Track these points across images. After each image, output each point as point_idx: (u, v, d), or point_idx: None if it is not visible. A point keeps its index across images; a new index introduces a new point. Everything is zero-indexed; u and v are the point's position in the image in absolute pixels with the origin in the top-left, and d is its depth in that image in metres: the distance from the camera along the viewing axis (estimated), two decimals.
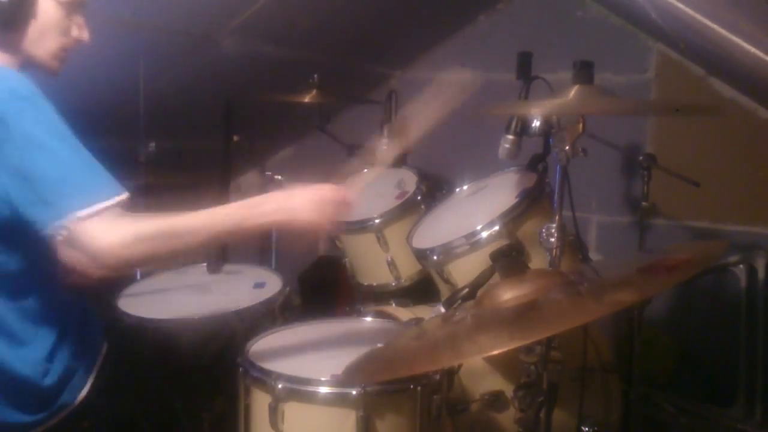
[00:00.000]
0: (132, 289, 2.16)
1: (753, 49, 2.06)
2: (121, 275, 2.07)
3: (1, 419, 1.48)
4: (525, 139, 2.15)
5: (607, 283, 1.44)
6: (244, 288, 2.16)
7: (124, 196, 1.38)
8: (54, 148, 1.35)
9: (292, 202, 1.50)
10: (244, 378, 1.62)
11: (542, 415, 1.53)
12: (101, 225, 1.33)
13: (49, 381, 1.51)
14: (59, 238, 1.33)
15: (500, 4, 3.27)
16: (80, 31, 1.54)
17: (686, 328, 2.93)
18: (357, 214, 2.47)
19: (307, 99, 2.66)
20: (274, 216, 1.49)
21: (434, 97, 1.73)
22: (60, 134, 1.37)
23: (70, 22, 1.52)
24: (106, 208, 1.34)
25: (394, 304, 2.36)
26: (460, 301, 1.83)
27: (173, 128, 2.77)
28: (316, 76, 2.68)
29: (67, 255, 1.56)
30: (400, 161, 2.75)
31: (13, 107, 1.34)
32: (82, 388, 1.56)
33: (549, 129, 1.99)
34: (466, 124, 3.03)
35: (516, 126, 2.14)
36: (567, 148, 1.62)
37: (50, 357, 1.51)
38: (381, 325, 1.95)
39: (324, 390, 1.53)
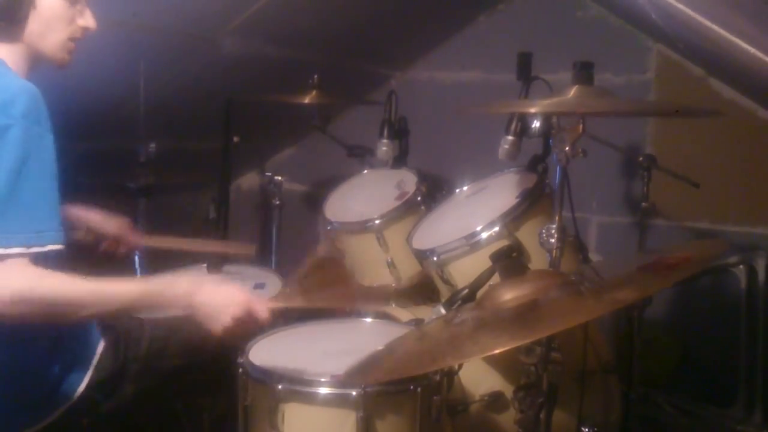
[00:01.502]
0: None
1: (753, 50, 2.06)
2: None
3: (0, 415, 1.48)
4: (525, 140, 2.15)
5: (607, 282, 1.44)
6: (244, 288, 2.15)
7: (49, 247, 1.33)
8: (8, 175, 1.30)
9: (197, 298, 1.46)
10: (245, 378, 1.63)
11: (542, 415, 1.53)
12: None
13: (47, 377, 1.51)
14: None
15: (500, 5, 3.27)
16: (85, 19, 1.53)
17: (686, 328, 2.93)
18: (357, 215, 2.48)
19: (307, 99, 2.66)
20: (174, 304, 1.46)
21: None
22: (28, 163, 1.32)
23: (74, 11, 1.51)
24: (10, 255, 1.29)
25: (394, 305, 2.36)
26: (460, 302, 1.83)
27: (173, 129, 2.77)
28: (316, 76, 2.68)
29: None
30: (400, 159, 2.76)
31: (3, 122, 1.31)
32: (80, 384, 1.56)
33: (549, 130, 1.98)
34: (466, 125, 3.05)
35: (516, 127, 2.14)
36: (567, 148, 1.62)
37: (48, 353, 1.51)
38: (381, 325, 1.95)
39: (324, 390, 1.53)
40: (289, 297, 1.91)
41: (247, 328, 1.52)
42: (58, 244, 1.35)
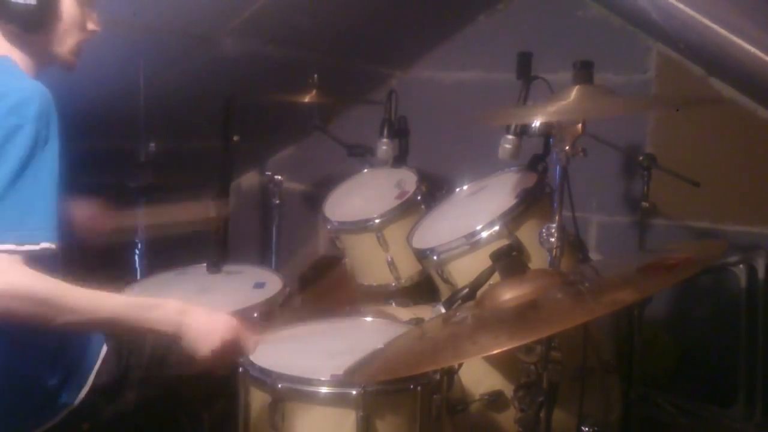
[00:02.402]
0: (132, 289, 2.16)
1: (753, 49, 2.07)
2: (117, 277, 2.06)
3: (1, 421, 1.48)
4: (525, 139, 2.15)
5: (607, 283, 1.44)
6: (244, 288, 2.16)
7: (41, 246, 1.33)
8: (10, 174, 1.31)
9: (186, 319, 1.46)
10: (244, 378, 1.63)
11: (542, 415, 1.53)
12: None
13: (49, 382, 1.51)
14: None
15: (500, 5, 3.27)
16: (94, 23, 1.56)
17: (686, 328, 2.94)
18: (357, 214, 2.48)
19: (307, 99, 2.66)
20: (162, 327, 1.45)
21: None
22: (31, 164, 1.33)
23: (86, 17, 1.54)
24: (4, 251, 1.29)
25: (394, 305, 2.37)
26: (460, 301, 1.83)
27: (173, 128, 2.77)
28: (316, 76, 2.68)
29: None
30: (400, 159, 2.76)
31: (9, 123, 1.33)
32: (81, 388, 1.56)
33: (549, 129, 1.98)
34: (466, 125, 3.04)
35: (516, 126, 2.14)
36: (567, 148, 1.63)
37: (51, 358, 1.51)
38: (381, 325, 1.95)
39: (324, 390, 1.54)
40: (280, 325, 1.92)
41: (233, 356, 1.53)
42: (51, 243, 1.34)
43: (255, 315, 1.96)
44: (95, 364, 1.60)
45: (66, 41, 1.51)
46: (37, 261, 1.33)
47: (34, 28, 1.46)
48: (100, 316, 1.39)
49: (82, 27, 1.53)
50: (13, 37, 1.47)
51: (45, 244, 1.33)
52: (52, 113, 1.38)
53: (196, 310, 1.48)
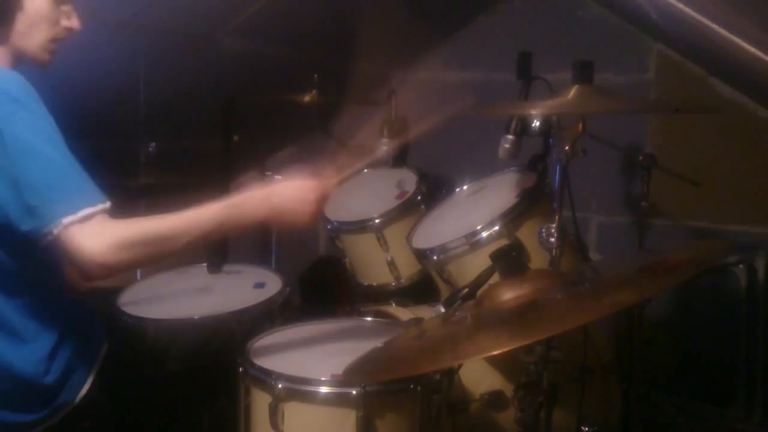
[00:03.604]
0: (133, 289, 2.16)
1: (753, 49, 2.07)
2: (117, 278, 2.06)
3: (2, 418, 1.48)
4: (525, 139, 2.15)
5: (607, 284, 1.44)
6: (245, 288, 2.16)
7: (108, 204, 1.37)
8: (43, 153, 1.34)
9: (273, 200, 1.51)
10: (245, 378, 1.63)
11: (542, 414, 1.53)
12: (86, 232, 1.32)
13: (49, 379, 1.50)
14: (48, 243, 1.33)
15: (500, 5, 3.27)
16: (70, 20, 1.53)
17: (686, 328, 2.94)
18: (357, 214, 2.48)
19: (307, 99, 2.66)
20: (256, 214, 1.50)
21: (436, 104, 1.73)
22: (50, 139, 1.36)
23: (59, 12, 1.51)
24: (91, 215, 1.33)
25: (394, 304, 2.37)
26: (460, 301, 1.82)
27: (174, 128, 2.77)
28: (316, 76, 2.68)
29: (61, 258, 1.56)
30: (400, 159, 2.77)
31: (5, 110, 1.34)
32: (82, 386, 1.56)
33: (549, 129, 1.99)
34: (466, 125, 3.05)
35: (516, 126, 2.14)
36: (567, 148, 1.63)
37: (51, 355, 1.51)
38: (381, 325, 1.95)
39: (324, 390, 1.54)
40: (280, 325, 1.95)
41: (323, 205, 1.58)
42: (107, 202, 1.39)
43: (255, 315, 1.96)
44: (95, 362, 1.60)
45: (33, 36, 1.48)
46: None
47: None
48: (205, 229, 1.44)
49: (53, 22, 1.50)
50: None
51: (107, 204, 1.38)
52: (27, 91, 1.38)
53: (278, 189, 1.54)
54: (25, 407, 1.50)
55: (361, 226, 2.44)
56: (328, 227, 2.54)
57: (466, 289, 1.84)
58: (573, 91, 1.62)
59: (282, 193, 1.53)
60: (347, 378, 1.47)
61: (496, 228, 1.92)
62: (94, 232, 1.33)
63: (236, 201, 1.51)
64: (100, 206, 1.35)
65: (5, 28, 1.46)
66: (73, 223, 1.31)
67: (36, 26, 1.48)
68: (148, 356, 1.74)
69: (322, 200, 1.57)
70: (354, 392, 1.50)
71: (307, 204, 1.53)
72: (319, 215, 1.57)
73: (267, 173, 2.80)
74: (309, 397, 1.54)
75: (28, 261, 1.47)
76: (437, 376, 1.60)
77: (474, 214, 2.07)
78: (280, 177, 2.74)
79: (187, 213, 1.43)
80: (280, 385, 1.53)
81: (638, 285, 1.37)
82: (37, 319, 1.49)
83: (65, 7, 1.52)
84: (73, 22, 1.54)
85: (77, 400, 1.55)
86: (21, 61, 1.51)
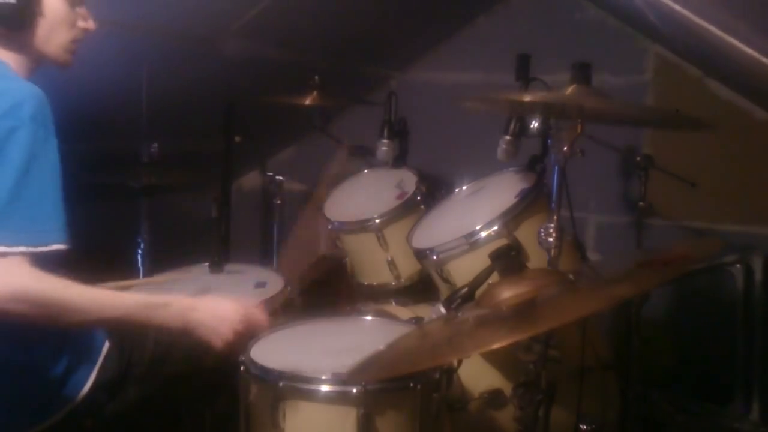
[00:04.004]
0: (135, 289, 2.16)
1: (750, 51, 2.07)
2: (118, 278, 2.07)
3: (4, 416, 1.49)
4: (523, 140, 2.17)
5: (604, 279, 1.46)
6: (246, 287, 2.17)
7: (53, 247, 1.34)
8: (17, 176, 1.32)
9: (195, 315, 1.49)
10: (246, 376, 1.64)
11: (541, 413, 1.54)
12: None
13: (51, 378, 1.51)
14: None
15: (499, 6, 3.28)
16: (86, 22, 1.57)
17: (684, 327, 2.94)
18: (357, 214, 2.49)
19: (307, 101, 2.67)
20: (170, 324, 1.48)
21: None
22: (33, 165, 1.34)
23: (76, 14, 1.55)
24: (13, 253, 1.30)
25: (394, 304, 2.38)
26: (459, 301, 1.84)
27: (176, 129, 2.78)
28: (316, 77, 2.69)
29: None
30: (400, 159, 2.78)
31: (5, 126, 1.34)
32: (83, 385, 1.57)
33: (547, 130, 2.00)
34: (465, 125, 3.06)
35: (514, 127, 2.15)
36: (565, 148, 1.64)
37: (53, 355, 1.52)
38: (381, 324, 1.96)
39: (325, 388, 1.54)
40: (285, 296, 1.94)
41: (247, 337, 1.55)
42: (62, 243, 1.36)
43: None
44: (98, 360, 1.61)
45: (54, 39, 1.52)
46: (42, 261, 1.34)
47: (17, 26, 1.46)
48: (106, 315, 1.41)
49: (71, 24, 1.54)
50: (1, 38, 1.47)
51: (56, 246, 1.35)
52: (47, 113, 1.39)
53: (203, 304, 1.51)
54: (27, 406, 1.51)
55: (361, 226, 2.45)
56: (329, 227, 2.56)
57: (466, 289, 1.85)
58: (569, 91, 1.63)
59: (205, 311, 1.50)
60: (348, 376, 1.48)
61: (495, 228, 1.93)
62: (4, 271, 1.30)
63: (154, 302, 1.49)
64: (34, 248, 1.32)
65: (27, 35, 1.49)
66: None
67: (56, 29, 1.51)
68: (149, 356, 1.74)
69: (247, 328, 1.53)
70: (354, 390, 1.51)
71: (227, 333, 1.49)
72: (239, 343, 1.53)
73: (268, 174, 2.81)
74: (310, 396, 1.55)
75: None
76: (437, 375, 1.61)
77: (473, 214, 2.08)
78: (281, 178, 2.76)
79: (101, 293, 1.41)
80: (281, 384, 1.54)
81: (635, 279, 1.38)
82: None
83: (80, 9, 1.56)
84: (89, 23, 1.57)
85: (79, 399, 1.56)
86: (39, 65, 1.54)
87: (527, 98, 1.90)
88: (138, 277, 2.28)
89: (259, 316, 1.57)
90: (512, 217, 1.94)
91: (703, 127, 1.69)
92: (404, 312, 2.20)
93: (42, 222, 1.35)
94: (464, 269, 1.96)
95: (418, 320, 2.05)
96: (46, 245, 1.34)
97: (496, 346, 1.20)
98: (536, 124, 2.07)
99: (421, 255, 2.10)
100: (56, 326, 1.37)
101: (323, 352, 1.73)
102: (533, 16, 3.18)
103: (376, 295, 2.54)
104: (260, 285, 2.17)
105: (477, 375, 1.96)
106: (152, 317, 1.47)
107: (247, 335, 1.54)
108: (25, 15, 1.46)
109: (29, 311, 1.33)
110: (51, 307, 1.35)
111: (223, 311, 1.52)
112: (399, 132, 2.79)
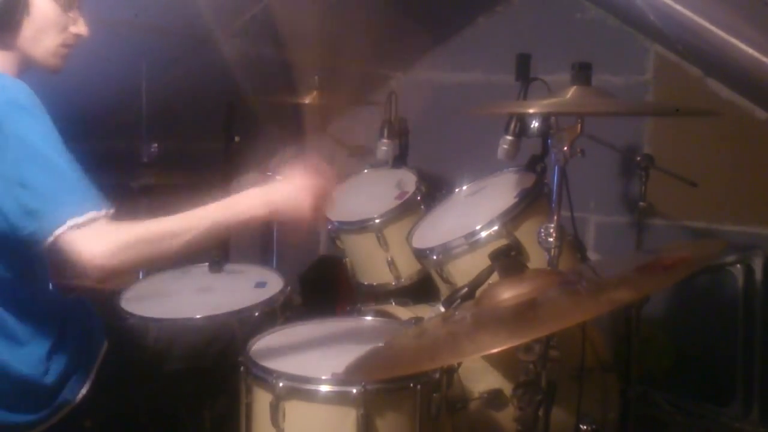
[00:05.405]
0: (134, 288, 2.16)
1: (750, 50, 2.07)
2: (118, 278, 2.07)
3: (1, 418, 1.49)
4: (524, 140, 2.17)
5: (605, 282, 1.45)
6: (246, 287, 2.17)
7: (110, 210, 1.39)
8: (47, 158, 1.35)
9: (271, 196, 1.50)
10: (246, 376, 1.63)
11: (541, 413, 1.54)
12: (86, 235, 1.33)
13: (48, 379, 1.51)
14: (47, 246, 1.34)
15: (499, 6, 3.28)
16: (78, 26, 1.54)
17: (684, 327, 2.95)
18: (357, 214, 2.49)
19: (307, 100, 2.67)
20: (253, 211, 1.49)
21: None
22: (54, 146, 1.37)
23: (67, 18, 1.51)
24: (92, 220, 1.34)
25: (394, 304, 2.37)
26: (459, 301, 1.84)
27: (175, 129, 2.78)
28: (316, 77, 2.69)
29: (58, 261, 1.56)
30: (400, 159, 2.78)
31: (10, 116, 1.35)
32: (82, 386, 1.57)
33: (547, 130, 2.00)
34: (465, 125, 3.06)
35: (515, 127, 2.15)
36: (565, 148, 1.63)
37: (50, 355, 1.52)
38: (381, 324, 1.96)
39: (324, 388, 1.54)
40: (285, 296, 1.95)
41: (326, 203, 1.57)
42: (110, 207, 1.40)
43: (256, 314, 1.98)
44: (96, 360, 1.61)
45: (42, 42, 1.49)
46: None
47: (1, 26, 1.44)
48: (202, 227, 1.43)
49: (62, 28, 1.50)
50: None
51: (108, 209, 1.39)
52: (36, 101, 1.39)
53: (278, 184, 1.53)
54: (24, 407, 1.51)
55: (361, 226, 2.45)
56: (329, 227, 2.55)
57: (466, 289, 1.85)
58: (571, 92, 1.63)
59: (280, 190, 1.52)
60: (348, 376, 1.47)
61: (495, 228, 1.93)
62: (93, 235, 1.34)
63: (233, 199, 1.50)
64: (103, 211, 1.37)
65: (11, 34, 1.46)
66: (74, 227, 1.32)
67: (44, 32, 1.48)
68: (149, 355, 1.74)
69: (323, 197, 1.55)
70: (354, 391, 1.51)
71: (306, 200, 1.51)
72: (320, 212, 1.56)
73: (268, 174, 2.81)
74: (310, 396, 1.55)
75: (25, 265, 1.48)
76: (437, 375, 1.61)
77: (473, 214, 2.08)
78: (280, 177, 2.76)
79: (185, 213, 1.43)
80: (281, 384, 1.54)
81: (636, 283, 1.38)
82: (34, 320, 1.50)
83: (72, 13, 1.53)
84: (81, 28, 1.54)
85: (77, 399, 1.56)
86: (28, 67, 1.51)
87: (531, 109, 1.90)
88: (138, 277, 2.28)
89: (327, 173, 1.58)
90: (512, 217, 1.94)
91: (704, 115, 1.68)
92: (404, 312, 2.20)
93: (92, 188, 1.40)
94: (464, 269, 1.95)
95: (418, 320, 2.05)
96: (108, 209, 1.39)
97: (496, 349, 1.20)
98: (536, 124, 2.07)
99: (421, 255, 2.10)
100: (167, 256, 1.42)
101: (323, 353, 1.73)
102: (534, 16, 3.18)
103: (376, 295, 2.54)
104: (260, 285, 2.17)
105: (477, 375, 1.96)
106: (241, 211, 1.48)
107: (324, 201, 1.55)
108: (10, 15, 1.44)
109: (137, 254, 1.37)
110: (153, 243, 1.38)
111: (299, 186, 1.53)
112: (399, 132, 2.79)
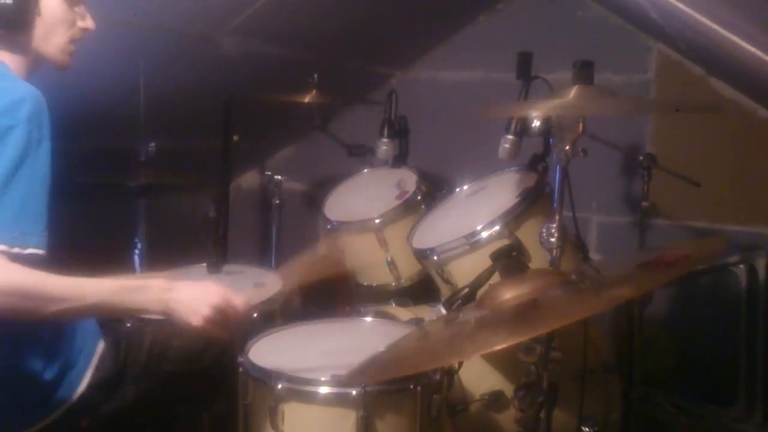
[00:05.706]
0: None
1: (752, 49, 2.06)
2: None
3: None
4: (525, 139, 2.15)
5: (606, 279, 1.44)
6: (244, 288, 2.16)
7: (29, 251, 1.33)
8: (3, 173, 1.31)
9: (173, 297, 1.46)
10: (245, 378, 1.63)
11: (542, 415, 1.53)
12: None
13: (46, 378, 1.51)
14: None
15: (500, 4, 3.27)
16: (86, 21, 1.56)
17: (686, 327, 2.94)
18: (357, 214, 2.48)
19: (306, 99, 2.66)
20: (146, 306, 1.46)
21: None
22: (23, 165, 1.33)
23: (74, 13, 1.54)
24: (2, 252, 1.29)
25: (394, 305, 2.37)
26: (460, 301, 1.83)
27: (173, 128, 2.77)
28: (316, 76, 2.68)
29: None
30: (400, 159, 2.77)
31: (1, 123, 1.33)
32: (79, 385, 1.56)
33: (549, 129, 1.98)
34: (466, 125, 3.05)
35: (516, 126, 2.14)
36: (567, 148, 1.63)
37: (48, 354, 1.52)
38: (380, 325, 1.95)
39: (324, 390, 1.54)
40: (268, 288, 1.93)
41: (230, 323, 1.51)
42: (40, 248, 1.35)
43: (254, 315, 1.96)
44: (92, 359, 1.60)
45: (52, 39, 1.51)
46: (21, 261, 1.33)
47: (14, 26, 1.45)
48: (87, 302, 1.39)
49: (70, 24, 1.53)
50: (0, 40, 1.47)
51: (33, 250, 1.34)
52: (44, 115, 1.38)
53: (181, 284, 1.49)
54: (21, 406, 1.50)
55: (361, 226, 2.44)
56: (328, 227, 2.54)
57: (467, 289, 1.84)
58: (573, 91, 1.62)
59: (183, 292, 1.47)
60: (347, 378, 1.47)
61: (497, 228, 1.92)
62: None
63: (132, 285, 1.47)
64: (13, 248, 1.30)
65: (26, 35, 1.48)
66: None
67: (54, 29, 1.50)
68: (146, 355, 1.73)
69: (226, 312, 1.49)
70: (354, 392, 1.51)
71: (204, 310, 1.46)
72: (223, 326, 1.49)
73: (267, 173, 2.80)
74: (309, 398, 1.54)
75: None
76: (437, 376, 1.60)
77: (474, 214, 2.07)
78: (280, 177, 2.75)
79: (80, 280, 1.38)
80: (280, 386, 1.53)
81: (637, 280, 1.37)
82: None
83: (79, 8, 1.55)
84: (88, 23, 1.57)
85: (74, 398, 1.55)
86: (37, 67, 1.53)
87: (533, 113, 1.89)
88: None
89: (237, 301, 1.52)
90: (514, 217, 1.93)
91: (706, 111, 1.67)
92: (404, 313, 2.19)
93: (24, 224, 1.34)
94: (465, 270, 1.95)
95: (418, 321, 2.04)
96: (23, 247, 1.33)
97: (497, 348, 1.19)
98: (538, 123, 2.06)
99: (421, 255, 2.09)
100: (39, 317, 1.35)
101: (322, 354, 1.72)
102: (535, 15, 3.17)
103: (376, 296, 2.53)
104: (259, 285, 2.16)
105: (478, 376, 1.95)
106: (132, 300, 1.44)
107: (226, 316, 1.50)
108: (23, 15, 1.45)
109: (9, 304, 1.31)
110: (31, 297, 1.33)
111: (201, 290, 1.49)
112: (399, 131, 2.78)
